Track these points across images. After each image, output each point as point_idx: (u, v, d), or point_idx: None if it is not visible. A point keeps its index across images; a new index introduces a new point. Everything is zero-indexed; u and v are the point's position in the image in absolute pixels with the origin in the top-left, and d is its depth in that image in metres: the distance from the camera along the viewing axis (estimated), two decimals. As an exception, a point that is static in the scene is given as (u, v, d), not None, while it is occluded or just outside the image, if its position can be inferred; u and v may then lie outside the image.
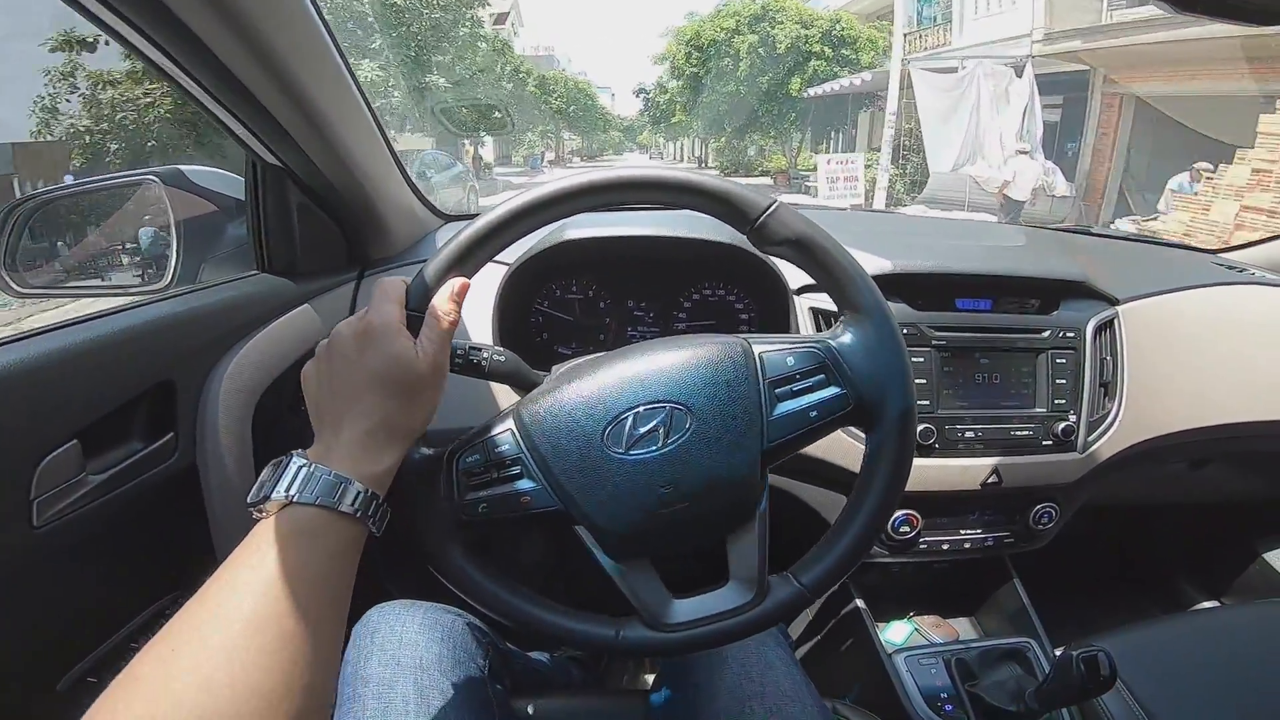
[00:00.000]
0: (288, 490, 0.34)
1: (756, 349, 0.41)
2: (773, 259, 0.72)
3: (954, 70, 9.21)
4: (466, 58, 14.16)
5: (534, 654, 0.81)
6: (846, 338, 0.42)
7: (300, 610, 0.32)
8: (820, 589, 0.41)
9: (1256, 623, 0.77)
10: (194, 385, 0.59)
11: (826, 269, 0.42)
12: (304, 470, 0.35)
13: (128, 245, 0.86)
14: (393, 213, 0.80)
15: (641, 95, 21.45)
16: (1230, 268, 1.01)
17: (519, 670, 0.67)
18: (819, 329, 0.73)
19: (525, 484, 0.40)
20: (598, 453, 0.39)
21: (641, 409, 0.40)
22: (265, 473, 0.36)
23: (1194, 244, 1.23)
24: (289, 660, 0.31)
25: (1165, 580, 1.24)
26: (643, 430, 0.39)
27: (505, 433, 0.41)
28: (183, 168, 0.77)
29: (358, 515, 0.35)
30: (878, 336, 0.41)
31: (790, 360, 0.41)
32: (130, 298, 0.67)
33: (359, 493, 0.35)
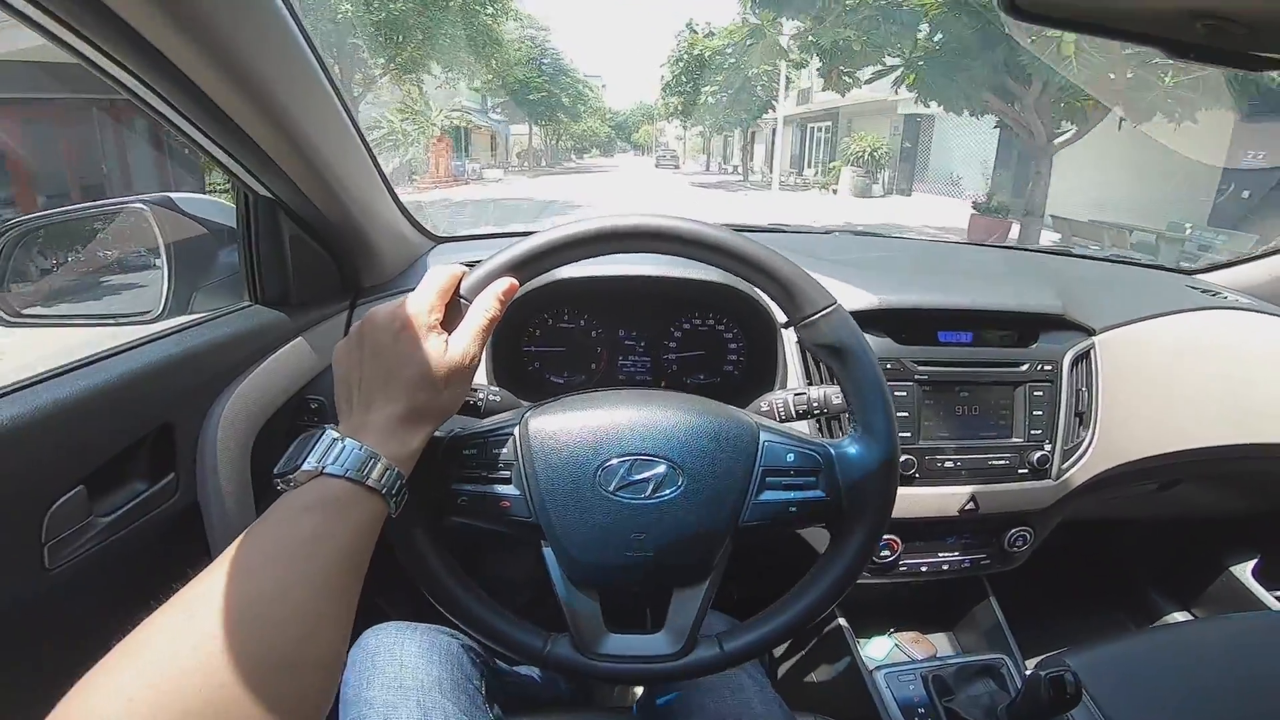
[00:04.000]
0: (320, 460, 0.35)
1: (763, 437, 0.44)
2: (759, 291, 0.73)
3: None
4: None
5: (522, 670, 0.84)
6: (850, 450, 0.44)
7: (320, 582, 0.32)
8: (740, 659, 0.44)
9: (1223, 636, 0.80)
10: (192, 426, 0.60)
11: (858, 386, 0.44)
12: (337, 443, 0.36)
13: (117, 273, 0.86)
14: (384, 238, 0.80)
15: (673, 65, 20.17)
16: (1205, 291, 1.04)
17: (511, 689, 0.69)
18: (806, 364, 0.75)
19: (509, 489, 0.42)
20: (587, 484, 0.41)
21: (640, 458, 0.42)
22: (293, 446, 0.36)
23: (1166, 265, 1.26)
24: (304, 632, 0.30)
25: (1136, 593, 1.27)
26: (636, 478, 0.42)
27: (508, 438, 0.43)
28: (172, 195, 0.77)
29: (383, 492, 0.36)
30: (879, 466, 0.44)
31: (790, 457, 0.44)
32: (122, 328, 0.68)
33: (387, 470, 0.36)
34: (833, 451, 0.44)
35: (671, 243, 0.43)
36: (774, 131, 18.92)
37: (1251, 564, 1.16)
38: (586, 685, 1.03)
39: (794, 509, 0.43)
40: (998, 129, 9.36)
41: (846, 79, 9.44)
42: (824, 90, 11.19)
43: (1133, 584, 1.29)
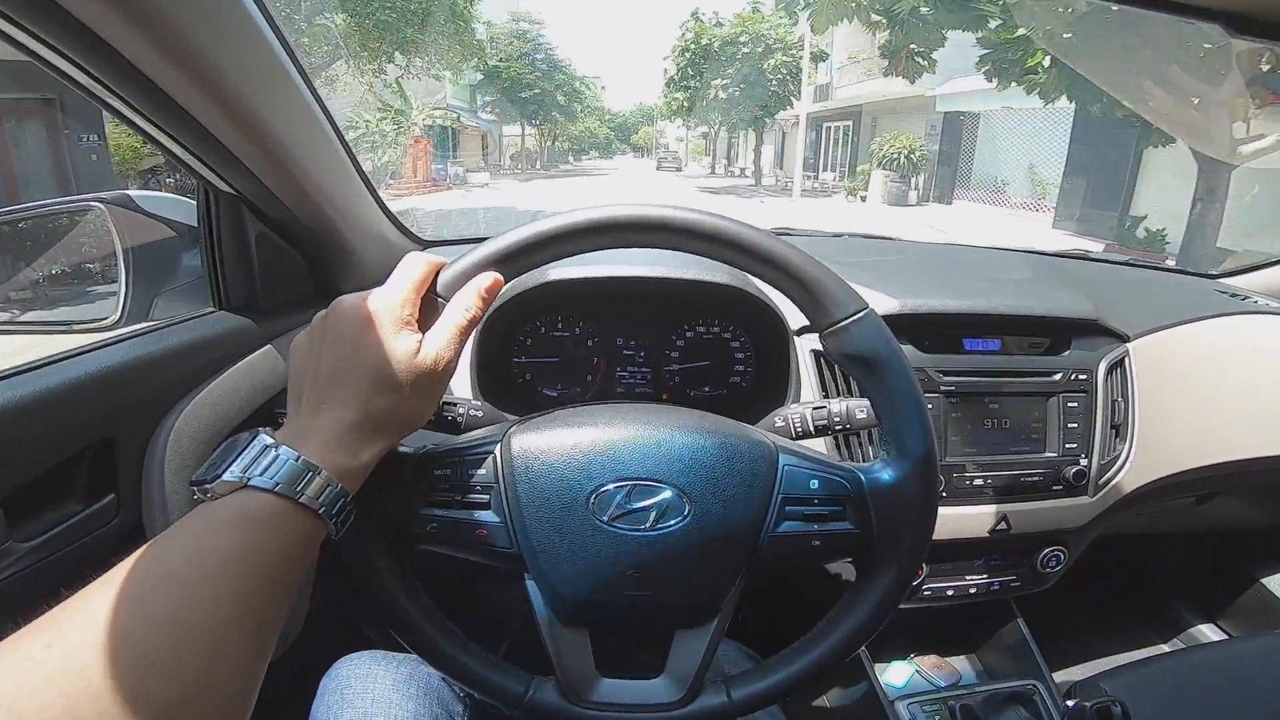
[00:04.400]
0: (244, 471, 0.30)
1: (782, 459, 0.38)
2: (771, 294, 0.67)
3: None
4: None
5: None
6: (884, 476, 0.39)
7: (228, 612, 0.27)
8: (749, 708, 0.39)
9: (1262, 656, 0.75)
10: (138, 441, 0.54)
11: (889, 398, 0.38)
12: (269, 451, 0.30)
13: (72, 276, 0.80)
14: (363, 240, 0.74)
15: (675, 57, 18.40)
16: (1233, 295, 0.99)
17: None
18: (821, 375, 0.69)
19: (487, 515, 0.37)
20: (578, 512, 0.36)
21: (641, 484, 0.36)
22: (220, 450, 0.31)
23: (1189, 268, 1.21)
24: (206, 667, 0.25)
25: (1164, 607, 1.23)
26: (635, 506, 0.36)
27: (487, 457, 0.37)
28: (131, 192, 0.72)
29: (320, 511, 0.30)
30: (917, 492, 0.38)
31: (814, 484, 0.38)
32: (74, 336, 0.62)
33: (326, 486, 0.31)
34: (863, 477, 0.39)
35: (679, 236, 0.38)
36: (794, 129, 17.24)
37: None
38: None
39: (817, 543, 0.38)
40: (1072, 126, 7.96)
41: (919, 61, 7.68)
42: (886, 75, 9.83)
43: (1160, 598, 1.24)
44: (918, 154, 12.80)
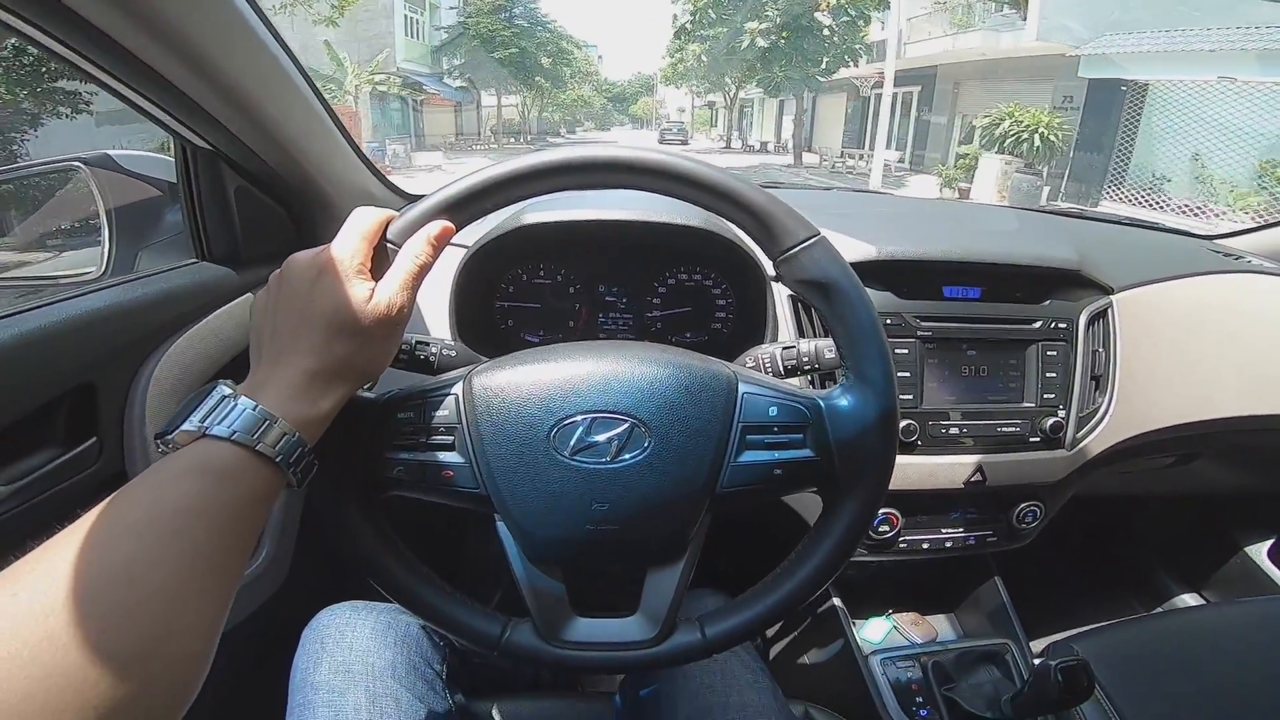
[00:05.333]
0: (202, 420, 0.30)
1: (741, 388, 0.38)
2: (749, 241, 0.67)
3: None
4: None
5: None
6: (842, 402, 0.39)
7: (187, 561, 0.27)
8: (723, 646, 0.40)
9: (1238, 622, 0.76)
10: (118, 386, 0.55)
11: (845, 324, 0.39)
12: (226, 401, 0.31)
13: (56, 234, 0.81)
14: (343, 193, 0.75)
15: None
16: (1227, 255, 0.98)
17: (478, 670, 0.65)
18: (798, 319, 0.70)
19: (452, 457, 0.37)
20: (540, 448, 0.37)
21: (601, 416, 0.37)
22: (182, 405, 0.32)
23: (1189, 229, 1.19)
24: (159, 619, 0.26)
25: (1145, 573, 1.23)
26: (596, 439, 0.37)
27: (449, 398, 0.38)
28: (111, 152, 0.72)
29: (278, 460, 0.31)
30: (875, 420, 0.38)
31: (773, 410, 0.38)
32: (56, 290, 0.63)
33: (284, 434, 0.31)
34: (821, 404, 0.39)
35: (626, 174, 0.38)
36: (837, 94, 12.27)
37: (1267, 545, 1.12)
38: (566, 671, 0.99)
39: (779, 471, 0.38)
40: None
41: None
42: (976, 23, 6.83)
43: (1142, 564, 1.25)
44: (1054, 133, 8.66)
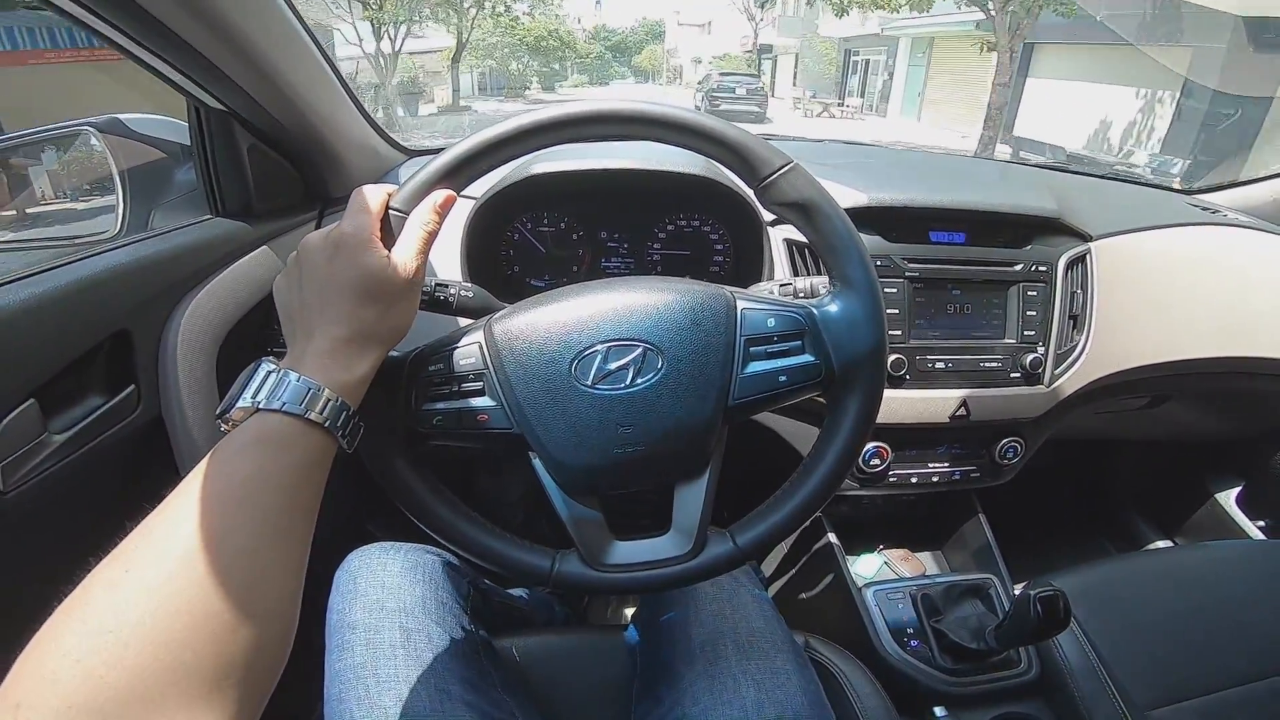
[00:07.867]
0: (254, 396, 0.33)
1: (740, 304, 0.41)
2: (747, 189, 0.71)
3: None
4: None
5: (513, 590, 0.83)
6: (832, 308, 0.42)
7: (260, 526, 0.30)
8: (754, 552, 0.42)
9: (1203, 563, 0.81)
10: (151, 334, 0.58)
11: (825, 236, 0.41)
12: (273, 376, 0.33)
13: (71, 196, 0.82)
14: (350, 149, 0.77)
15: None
16: (1204, 209, 1.02)
17: (498, 608, 0.69)
18: (793, 261, 0.73)
19: (484, 401, 0.40)
20: (563, 381, 0.39)
21: (615, 344, 0.39)
22: (235, 385, 0.34)
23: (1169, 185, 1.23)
24: (248, 580, 0.29)
25: (1122, 519, 1.29)
26: (613, 366, 0.39)
27: (472, 345, 0.40)
28: (120, 116, 0.73)
29: (326, 425, 0.34)
30: (864, 315, 0.41)
31: (771, 322, 0.41)
32: (80, 248, 0.65)
33: (329, 400, 0.34)
34: (815, 311, 0.42)
35: (613, 124, 0.40)
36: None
37: (1235, 491, 1.17)
38: (579, 605, 1.04)
39: (784, 378, 0.41)
40: None
41: None
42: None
43: (1118, 510, 1.30)
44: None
